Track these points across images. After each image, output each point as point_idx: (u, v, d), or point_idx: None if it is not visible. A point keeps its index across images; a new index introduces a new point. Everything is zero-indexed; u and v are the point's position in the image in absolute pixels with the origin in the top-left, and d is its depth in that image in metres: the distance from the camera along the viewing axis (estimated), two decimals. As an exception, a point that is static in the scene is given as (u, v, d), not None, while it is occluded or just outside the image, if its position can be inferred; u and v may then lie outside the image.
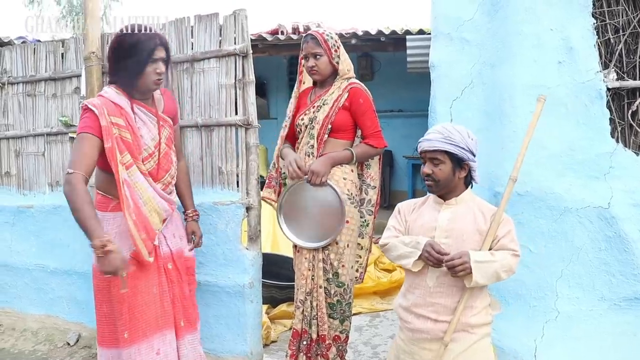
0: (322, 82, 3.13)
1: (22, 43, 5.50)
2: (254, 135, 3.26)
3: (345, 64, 3.09)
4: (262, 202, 3.31)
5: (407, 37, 6.39)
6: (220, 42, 3.30)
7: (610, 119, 2.70)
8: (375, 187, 3.18)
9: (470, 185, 2.37)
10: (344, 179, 3.03)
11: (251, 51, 3.25)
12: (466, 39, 2.90)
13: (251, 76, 3.24)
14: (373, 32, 6.97)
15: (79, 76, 3.74)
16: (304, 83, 3.26)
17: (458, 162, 2.26)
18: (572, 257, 2.71)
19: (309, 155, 3.06)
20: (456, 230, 2.27)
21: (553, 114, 2.68)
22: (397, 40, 6.90)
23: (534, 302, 2.77)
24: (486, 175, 2.76)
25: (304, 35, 3.13)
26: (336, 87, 3.07)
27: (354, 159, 3.03)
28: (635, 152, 2.70)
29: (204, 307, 3.31)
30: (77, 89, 3.78)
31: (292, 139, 3.23)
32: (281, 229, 3.13)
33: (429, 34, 6.44)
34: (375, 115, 3.09)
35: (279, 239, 5.15)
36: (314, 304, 3.07)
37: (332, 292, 3.05)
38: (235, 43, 3.24)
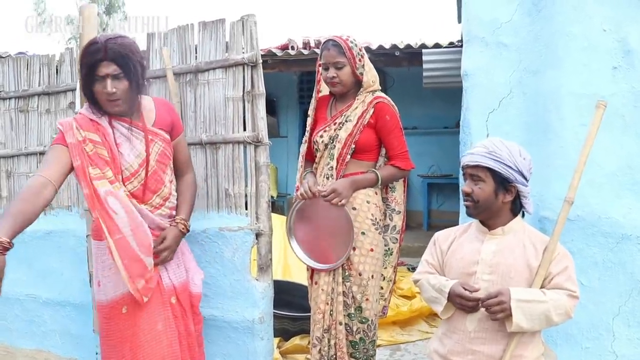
0: (343, 94, 2.82)
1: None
2: (264, 154, 2.93)
3: (370, 74, 2.78)
4: (275, 226, 3.00)
5: (424, 50, 6.18)
6: (226, 51, 3.00)
7: (675, 132, 2.35)
8: (400, 212, 2.88)
9: (522, 215, 2.04)
10: (367, 202, 2.71)
11: (261, 60, 2.94)
12: (504, 43, 2.58)
13: (261, 88, 2.92)
14: (387, 46, 6.73)
15: (74, 90, 3.46)
16: (320, 92, 2.95)
17: (502, 182, 1.93)
18: (631, 292, 2.35)
19: (327, 178, 2.76)
20: (502, 266, 1.94)
21: (608, 127, 2.33)
22: (411, 55, 6.68)
23: (587, 343, 2.42)
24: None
25: (323, 41, 2.81)
26: (360, 101, 2.76)
27: (379, 182, 2.72)
28: None
29: (210, 344, 3.00)
30: (72, 103, 3.50)
31: (311, 156, 2.92)
32: (292, 249, 2.93)
33: (446, 47, 6.28)
34: (402, 133, 2.79)
35: (290, 264, 4.82)
36: (332, 342, 2.74)
37: (355, 328, 2.72)
38: (243, 52, 2.94)
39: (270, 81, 7.60)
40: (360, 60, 2.75)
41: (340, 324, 2.72)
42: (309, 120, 2.97)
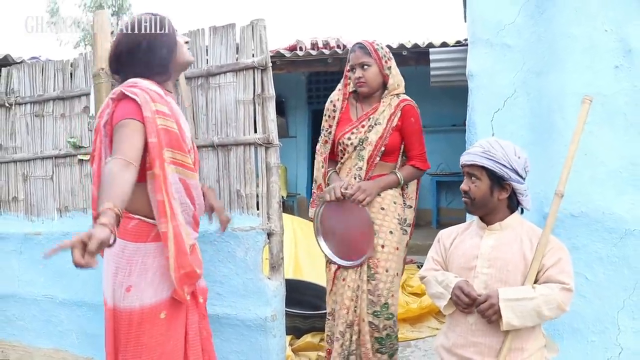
0: (368, 96, 2.90)
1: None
2: (275, 155, 3.00)
3: (397, 78, 2.89)
4: (285, 226, 3.07)
5: (431, 49, 6.21)
6: (237, 55, 3.07)
7: (676, 129, 2.40)
8: (412, 206, 2.98)
9: (521, 211, 2.11)
10: (394, 203, 2.85)
11: (270, 64, 3.01)
12: (508, 44, 2.63)
13: (271, 91, 2.99)
14: (394, 45, 6.78)
15: (88, 94, 3.54)
16: (340, 90, 3.06)
17: (497, 180, 2.01)
18: (635, 285, 2.39)
19: (355, 178, 2.85)
20: (500, 260, 2.01)
21: (611, 125, 2.40)
22: (418, 54, 6.73)
23: (593, 336, 2.46)
24: (534, 195, 2.46)
25: (351, 45, 2.94)
26: (386, 104, 2.86)
27: (401, 183, 2.83)
28: None
29: (223, 342, 3.07)
30: (86, 108, 3.58)
31: (334, 155, 3.04)
32: (319, 246, 3.00)
33: (453, 46, 6.32)
34: (422, 135, 2.91)
35: (301, 263, 4.90)
36: (354, 337, 2.83)
37: (382, 325, 2.82)
38: (253, 55, 3.01)
39: (279, 82, 7.68)
40: (386, 62, 2.85)
41: (363, 320, 2.81)
42: (332, 122, 3.02)
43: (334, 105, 3.04)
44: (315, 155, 3.16)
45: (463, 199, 2.11)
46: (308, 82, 9.73)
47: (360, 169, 2.84)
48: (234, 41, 3.08)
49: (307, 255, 5.05)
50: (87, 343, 3.66)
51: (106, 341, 2.27)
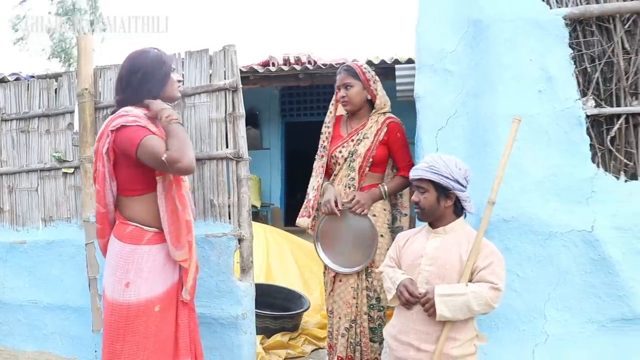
0: (356, 114, 3.25)
1: (15, 79, 5.58)
2: (245, 168, 3.31)
3: (384, 99, 3.24)
4: (254, 233, 3.35)
5: (396, 66, 6.51)
6: (210, 77, 3.37)
7: (591, 145, 2.77)
8: (407, 214, 3.32)
9: (464, 215, 2.42)
10: (384, 210, 3.19)
11: (241, 85, 3.31)
12: (449, 70, 2.98)
13: (241, 110, 3.30)
14: (363, 62, 7.08)
15: (72, 112, 3.80)
16: (337, 111, 3.37)
17: (443, 190, 2.32)
18: (559, 281, 2.75)
19: (349, 187, 3.18)
20: (440, 259, 2.32)
21: (535, 142, 2.76)
22: (386, 70, 6.99)
23: (523, 325, 2.80)
24: (472, 202, 2.81)
25: (339, 66, 3.25)
26: (374, 121, 3.21)
27: (385, 196, 3.17)
28: (615, 177, 2.77)
29: (198, 339, 3.33)
30: (70, 125, 3.83)
31: (328, 170, 3.34)
32: (319, 256, 3.24)
33: (417, 63, 6.65)
34: (409, 148, 3.22)
35: (273, 270, 5.18)
36: (358, 330, 3.15)
37: (375, 316, 3.15)
38: (225, 78, 3.32)
39: (253, 96, 7.93)
40: (374, 83, 3.20)
41: (365, 314, 3.13)
42: (323, 137, 3.34)
43: (328, 124, 3.37)
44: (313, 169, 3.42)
45: (415, 209, 2.43)
46: (281, 96, 10.00)
47: (353, 179, 3.16)
48: (208, 65, 3.38)
49: (278, 261, 5.35)
50: (70, 345, 3.88)
51: (104, 331, 2.60)
